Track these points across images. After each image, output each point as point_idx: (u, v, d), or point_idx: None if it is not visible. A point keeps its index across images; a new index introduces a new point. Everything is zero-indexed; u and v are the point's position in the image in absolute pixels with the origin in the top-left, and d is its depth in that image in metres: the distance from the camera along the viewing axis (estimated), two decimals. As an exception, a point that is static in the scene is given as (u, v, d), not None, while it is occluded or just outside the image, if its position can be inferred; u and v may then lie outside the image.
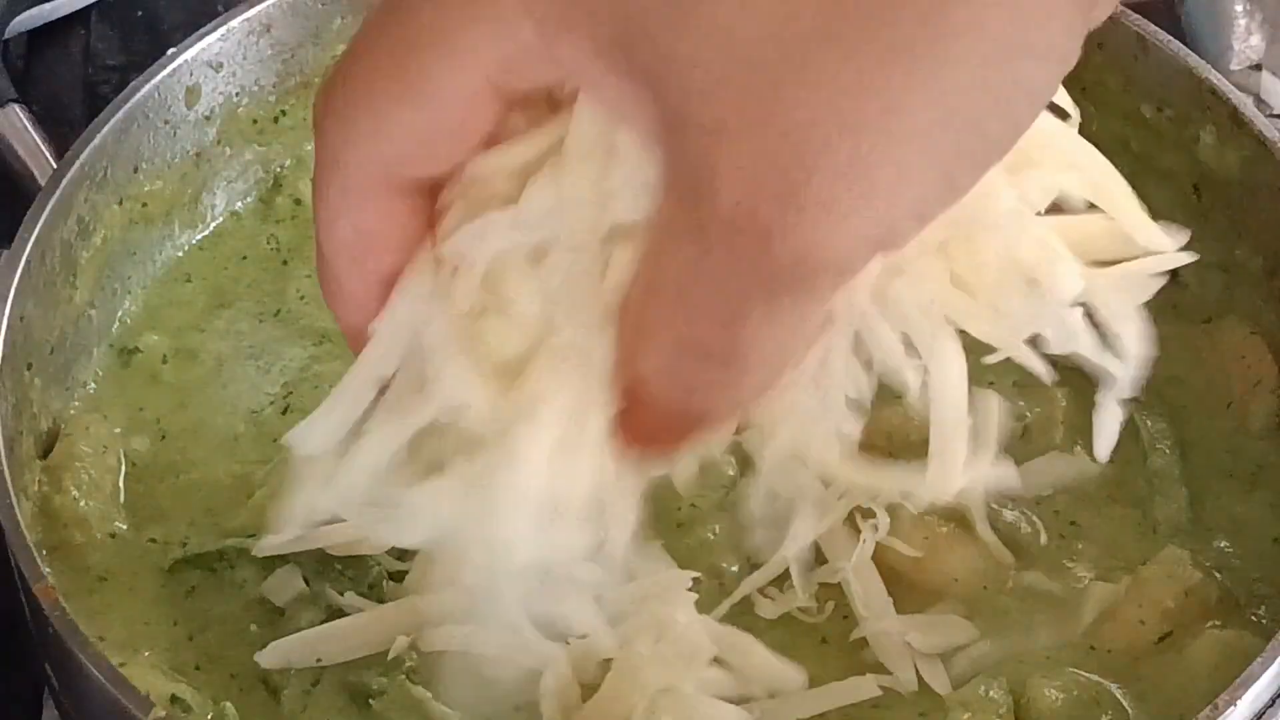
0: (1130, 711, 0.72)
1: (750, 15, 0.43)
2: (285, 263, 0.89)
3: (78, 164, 0.82)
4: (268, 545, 0.74)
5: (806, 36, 0.43)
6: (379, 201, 0.50)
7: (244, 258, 0.89)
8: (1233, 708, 0.66)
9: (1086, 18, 0.45)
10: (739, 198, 0.44)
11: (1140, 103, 0.86)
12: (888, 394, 0.80)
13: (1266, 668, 0.67)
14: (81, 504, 0.78)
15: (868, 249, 0.46)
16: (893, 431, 0.78)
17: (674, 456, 0.51)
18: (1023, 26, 0.44)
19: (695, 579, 0.72)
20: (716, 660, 0.71)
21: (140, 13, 1.11)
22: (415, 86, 0.47)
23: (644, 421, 0.50)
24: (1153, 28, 0.85)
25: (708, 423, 0.50)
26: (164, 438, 0.82)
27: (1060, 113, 0.55)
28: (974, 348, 0.81)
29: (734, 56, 0.43)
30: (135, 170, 0.86)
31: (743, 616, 0.75)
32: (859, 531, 0.74)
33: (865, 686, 0.72)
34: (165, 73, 0.86)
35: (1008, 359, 0.79)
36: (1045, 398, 0.80)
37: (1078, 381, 0.81)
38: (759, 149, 0.44)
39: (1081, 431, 0.80)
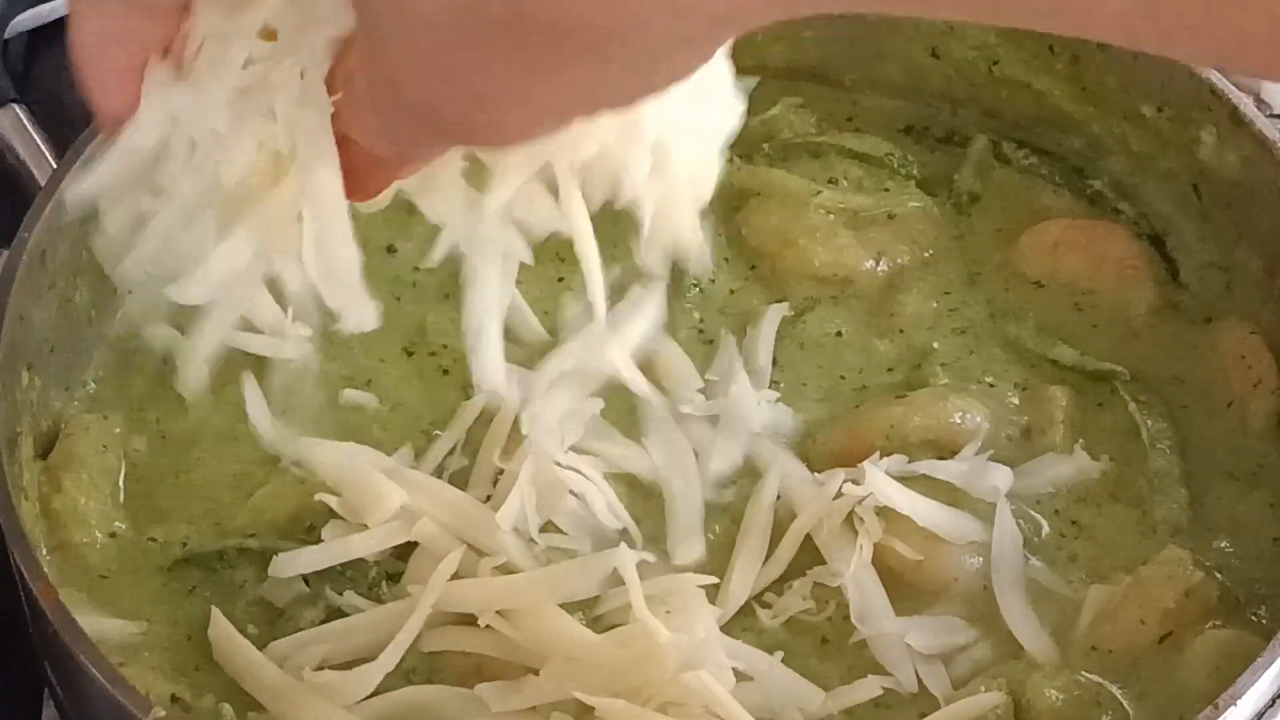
0: (1130, 711, 0.72)
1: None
2: (285, 262, 0.88)
3: (78, 164, 0.82)
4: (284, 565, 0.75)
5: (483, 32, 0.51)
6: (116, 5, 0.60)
7: (244, 257, 0.89)
8: (1233, 707, 0.66)
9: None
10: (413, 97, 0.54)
11: (1140, 103, 0.86)
12: (886, 392, 0.81)
13: (1266, 668, 0.67)
14: (81, 504, 0.78)
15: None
16: (893, 425, 0.78)
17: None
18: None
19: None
20: (736, 672, 0.71)
21: (140, 13, 1.11)
22: None
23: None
24: (1153, 28, 0.85)
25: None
26: (164, 438, 0.82)
27: None
28: (974, 348, 0.82)
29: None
30: (135, 170, 0.86)
31: (743, 617, 0.75)
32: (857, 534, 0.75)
33: (868, 688, 0.72)
34: (165, 73, 0.86)
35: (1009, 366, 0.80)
36: (1045, 397, 0.80)
37: (1078, 381, 0.82)
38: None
39: (1082, 431, 0.80)
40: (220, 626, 0.73)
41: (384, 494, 0.75)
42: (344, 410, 0.82)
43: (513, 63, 0.51)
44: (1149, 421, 0.80)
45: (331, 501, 0.75)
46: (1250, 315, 0.84)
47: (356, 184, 0.61)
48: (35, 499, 0.78)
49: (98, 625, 0.73)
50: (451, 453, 0.79)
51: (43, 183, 0.83)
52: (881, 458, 0.77)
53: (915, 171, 0.89)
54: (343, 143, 0.59)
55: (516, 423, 0.78)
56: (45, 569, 0.72)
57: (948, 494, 0.76)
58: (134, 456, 0.80)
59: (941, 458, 0.78)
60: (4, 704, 0.86)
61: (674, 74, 0.53)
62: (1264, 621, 0.74)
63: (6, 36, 1.04)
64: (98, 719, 0.71)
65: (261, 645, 0.73)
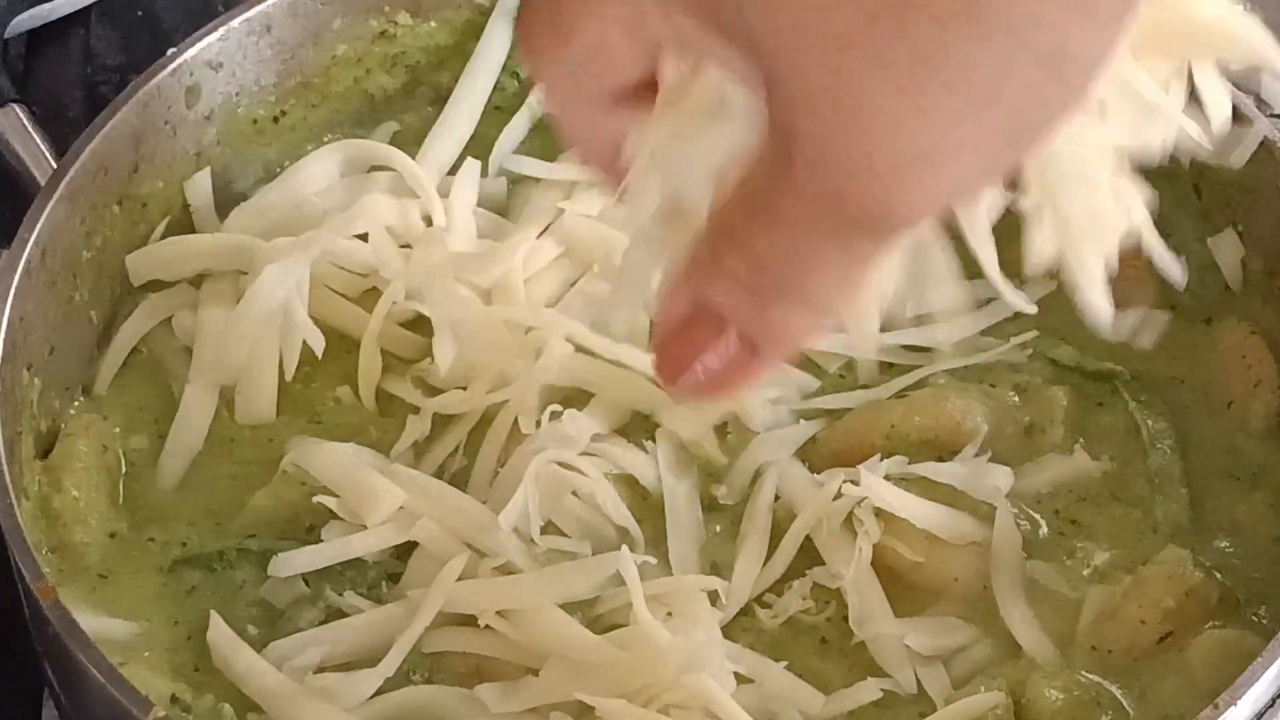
0: (1130, 711, 0.72)
1: (830, 11, 0.48)
2: (285, 262, 0.88)
3: (78, 164, 0.82)
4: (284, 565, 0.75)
5: (880, 30, 0.47)
6: (579, 100, 0.59)
7: (244, 257, 0.89)
8: (1233, 707, 0.66)
9: None
10: (816, 163, 0.50)
11: (1140, 103, 0.86)
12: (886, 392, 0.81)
13: (1266, 668, 0.67)
14: (81, 504, 0.78)
15: (933, 208, 0.52)
16: (894, 425, 0.78)
17: (726, 387, 0.57)
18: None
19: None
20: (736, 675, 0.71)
21: (140, 13, 1.11)
22: (565, 30, 0.57)
23: (697, 343, 0.56)
24: (1153, 28, 0.85)
25: (761, 351, 0.55)
26: (162, 437, 0.82)
27: None
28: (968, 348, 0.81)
29: (816, 40, 0.48)
30: (135, 170, 0.86)
31: (742, 617, 0.75)
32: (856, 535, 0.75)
33: (867, 691, 0.72)
34: (165, 73, 0.86)
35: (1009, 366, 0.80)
36: (1045, 397, 0.80)
37: (1078, 381, 0.82)
38: (834, 125, 0.49)
39: (1082, 431, 0.80)
40: (219, 631, 0.73)
41: (383, 494, 0.75)
42: (343, 409, 0.82)
43: (910, 72, 0.47)
44: (1149, 421, 0.80)
45: (330, 503, 0.75)
46: (1250, 315, 0.84)
47: (717, 382, 0.56)
48: (35, 499, 0.78)
49: (98, 625, 0.73)
50: (453, 453, 0.79)
51: (43, 183, 0.83)
52: (882, 459, 0.77)
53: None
54: (692, 327, 0.56)
55: (516, 423, 0.78)
56: (45, 569, 0.71)
57: (947, 494, 0.76)
58: (133, 456, 0.81)
59: (941, 458, 0.77)
60: (4, 704, 0.86)
61: (1090, 78, 0.48)
62: (1264, 621, 0.74)
63: (6, 36, 1.04)
64: (98, 719, 0.71)
65: (261, 646, 0.73)
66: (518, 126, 0.91)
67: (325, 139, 0.92)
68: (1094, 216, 0.58)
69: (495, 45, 0.92)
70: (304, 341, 0.80)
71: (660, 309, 0.57)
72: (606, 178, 0.62)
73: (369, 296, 0.83)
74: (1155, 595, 0.74)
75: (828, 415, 0.81)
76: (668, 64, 0.57)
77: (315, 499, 0.76)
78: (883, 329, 0.58)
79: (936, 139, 0.48)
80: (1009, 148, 0.50)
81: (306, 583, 0.75)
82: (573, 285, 0.84)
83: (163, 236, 0.87)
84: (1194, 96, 0.58)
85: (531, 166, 0.89)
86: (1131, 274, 0.84)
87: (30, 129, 0.91)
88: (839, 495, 0.75)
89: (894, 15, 0.47)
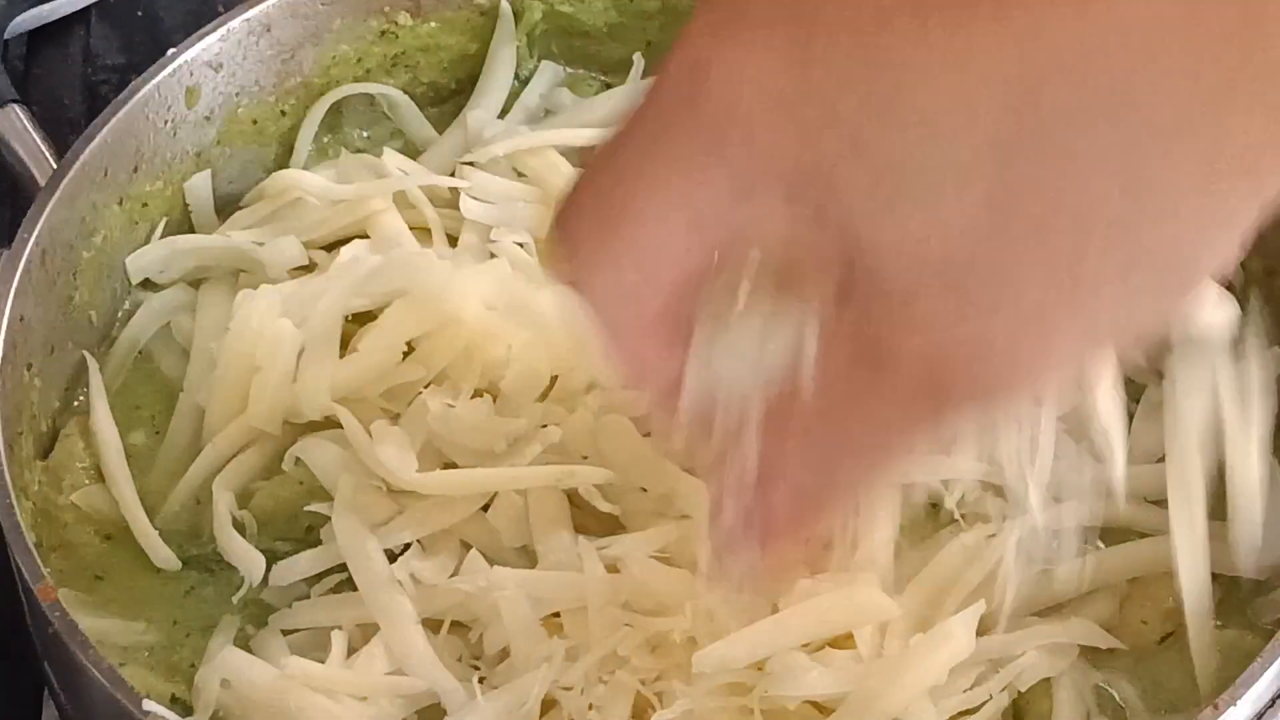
0: (1130, 711, 0.71)
1: (945, 232, 0.45)
2: (284, 262, 0.88)
3: (78, 164, 0.82)
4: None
5: (998, 255, 0.46)
6: (630, 310, 0.52)
7: (244, 257, 0.89)
8: (1233, 707, 0.66)
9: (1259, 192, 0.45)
10: (920, 367, 0.48)
11: (1140, 103, 0.86)
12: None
13: (1266, 668, 0.67)
14: (81, 504, 0.78)
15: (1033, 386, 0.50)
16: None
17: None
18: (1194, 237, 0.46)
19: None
20: None
21: (140, 13, 1.11)
22: (622, 228, 0.50)
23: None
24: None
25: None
26: (160, 434, 0.81)
27: None
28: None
29: (929, 254, 0.46)
30: (135, 170, 0.86)
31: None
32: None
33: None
34: (165, 73, 0.86)
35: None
36: (1045, 398, 0.80)
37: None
38: (943, 338, 0.47)
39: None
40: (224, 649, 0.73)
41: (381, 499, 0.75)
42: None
43: (1036, 277, 0.46)
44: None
45: (322, 508, 0.75)
46: (1250, 315, 0.83)
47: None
48: (35, 499, 0.78)
49: (97, 625, 0.73)
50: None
51: (43, 183, 0.83)
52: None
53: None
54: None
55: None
56: (45, 569, 0.71)
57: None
58: (132, 454, 0.80)
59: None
60: (4, 704, 0.86)
61: (1205, 270, 0.47)
62: (1264, 621, 0.74)
63: (6, 37, 1.04)
64: (98, 719, 0.71)
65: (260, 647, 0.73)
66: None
67: (325, 139, 0.92)
68: None
69: (502, 62, 0.93)
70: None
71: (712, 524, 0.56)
72: (665, 407, 0.55)
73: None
74: (1156, 595, 0.73)
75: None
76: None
77: (308, 508, 0.75)
78: None
79: (1056, 345, 0.47)
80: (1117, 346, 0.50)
81: (306, 584, 0.75)
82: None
83: (162, 236, 0.87)
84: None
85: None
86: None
87: (30, 129, 0.91)
88: None
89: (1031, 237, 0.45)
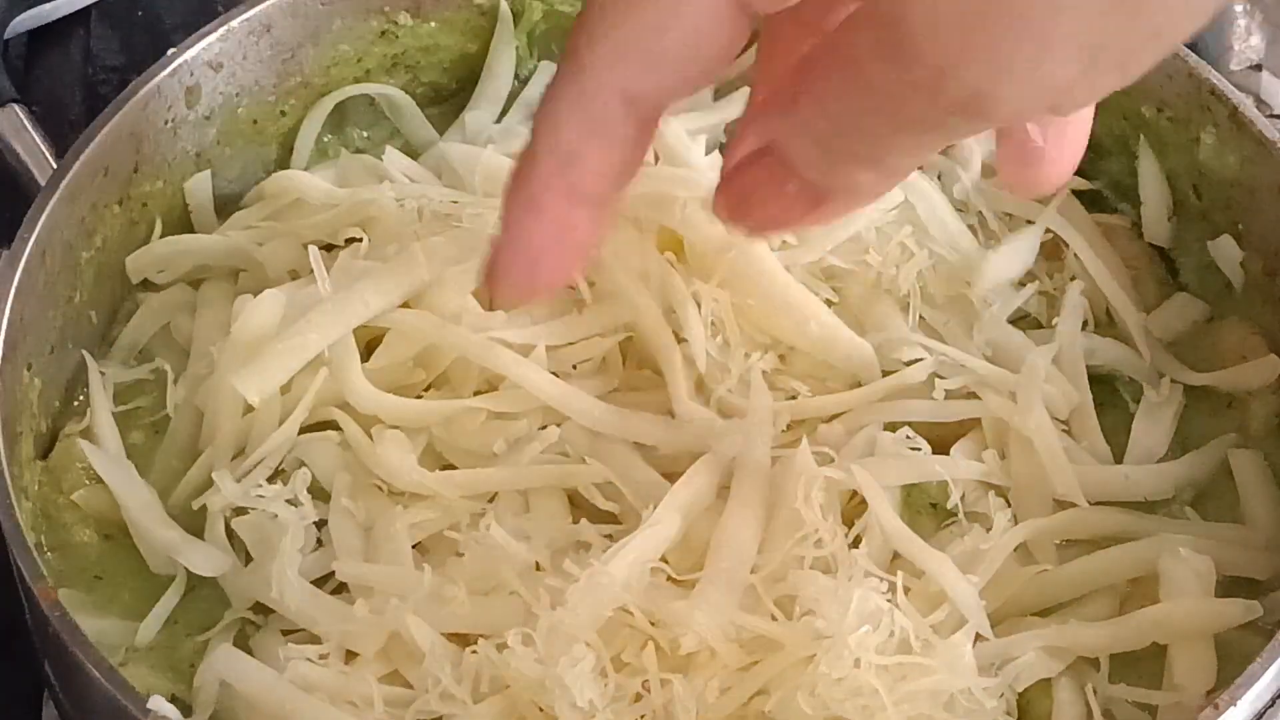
0: (1130, 711, 0.71)
1: None
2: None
3: (78, 164, 0.82)
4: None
5: None
6: (603, 115, 0.55)
7: (244, 257, 0.89)
8: (1233, 708, 0.66)
9: None
10: (925, 36, 0.49)
11: (1140, 103, 0.86)
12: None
13: (1266, 668, 0.67)
14: (81, 504, 0.78)
15: (1031, 108, 0.51)
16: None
17: (782, 227, 0.58)
18: None
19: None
20: None
21: (140, 13, 1.11)
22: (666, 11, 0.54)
23: (757, 186, 0.56)
24: (1153, 28, 0.85)
25: (823, 201, 0.55)
26: (160, 434, 0.81)
27: None
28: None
29: None
30: (135, 170, 0.86)
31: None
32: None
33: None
34: (165, 73, 0.86)
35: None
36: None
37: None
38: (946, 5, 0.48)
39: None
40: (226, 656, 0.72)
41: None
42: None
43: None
44: (1149, 422, 0.80)
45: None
46: (1250, 315, 0.84)
47: (749, 218, 0.57)
48: (35, 499, 0.78)
49: (97, 625, 0.73)
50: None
51: (43, 183, 0.83)
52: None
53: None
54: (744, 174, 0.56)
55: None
56: (45, 569, 0.71)
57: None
58: (131, 453, 0.80)
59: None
60: (4, 704, 0.86)
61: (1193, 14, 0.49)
62: (1264, 622, 0.73)
63: (6, 37, 1.04)
64: (98, 719, 0.71)
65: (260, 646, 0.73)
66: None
67: (326, 139, 0.92)
68: None
69: (502, 62, 0.93)
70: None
71: (731, 142, 0.57)
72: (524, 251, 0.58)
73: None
74: (1156, 595, 0.73)
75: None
76: None
77: (305, 522, 0.74)
78: None
79: (1053, 27, 0.48)
80: (1114, 64, 0.51)
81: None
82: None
83: (162, 236, 0.87)
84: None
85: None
86: (1131, 274, 0.85)
87: (30, 129, 0.91)
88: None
89: None
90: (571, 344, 0.77)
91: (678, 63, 0.55)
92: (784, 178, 0.55)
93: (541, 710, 0.68)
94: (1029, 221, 0.84)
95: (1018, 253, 0.82)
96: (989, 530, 0.73)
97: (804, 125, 0.53)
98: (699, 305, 0.76)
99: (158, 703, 0.67)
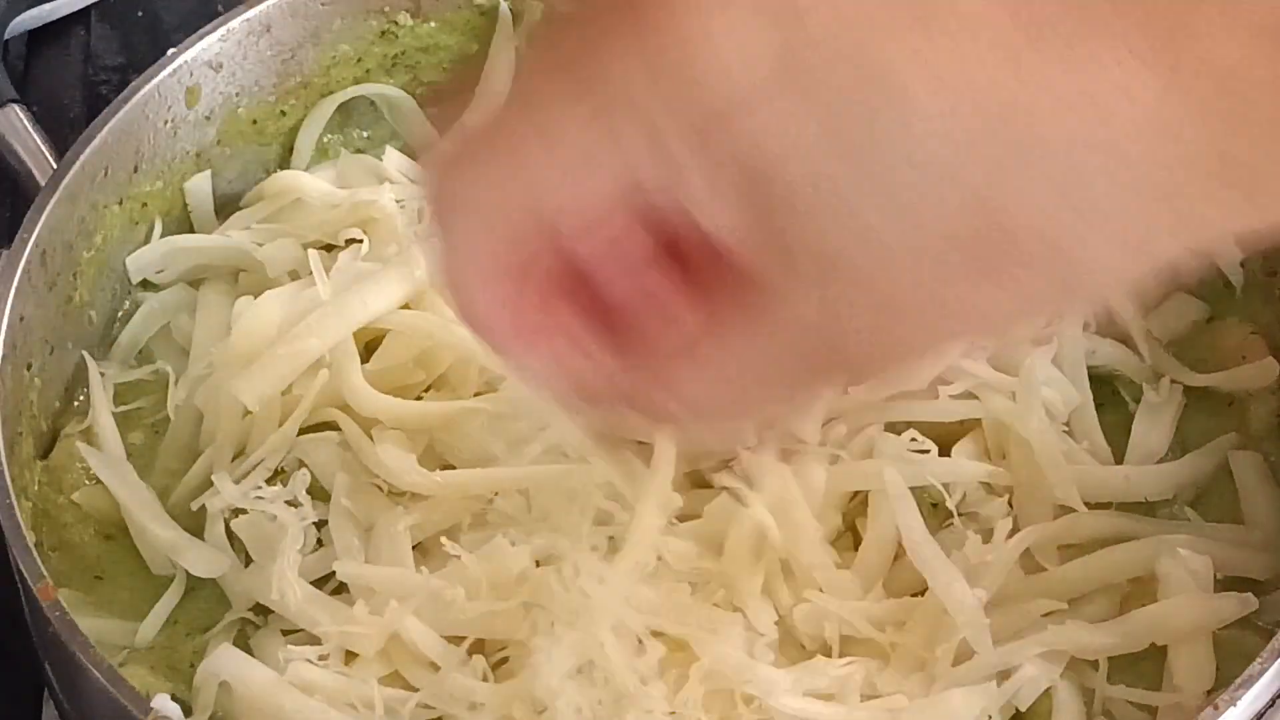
0: (1129, 712, 0.71)
1: (887, 267, 0.47)
2: (285, 263, 0.88)
3: (78, 164, 0.82)
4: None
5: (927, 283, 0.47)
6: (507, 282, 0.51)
7: (244, 257, 0.89)
8: (1233, 708, 0.66)
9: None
10: (811, 336, 0.49)
11: (1140, 103, 0.86)
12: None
13: (1266, 668, 0.67)
14: (81, 504, 0.78)
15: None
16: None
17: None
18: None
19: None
20: None
21: (140, 13, 1.11)
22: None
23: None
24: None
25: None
26: (159, 434, 0.81)
27: None
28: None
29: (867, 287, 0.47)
30: (135, 170, 0.86)
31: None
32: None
33: None
34: (165, 73, 0.86)
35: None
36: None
37: (1078, 381, 0.82)
38: (858, 324, 0.48)
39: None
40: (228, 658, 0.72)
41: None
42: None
43: (956, 277, 0.47)
44: (1149, 422, 0.80)
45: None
46: (1250, 315, 0.84)
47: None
48: (35, 499, 0.78)
49: (97, 625, 0.73)
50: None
51: (43, 183, 0.83)
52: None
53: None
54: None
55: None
56: (45, 569, 0.71)
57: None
58: (131, 453, 0.80)
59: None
60: (4, 704, 0.86)
61: (1096, 296, 0.54)
62: (1264, 622, 0.73)
63: (6, 37, 1.04)
64: (98, 719, 0.71)
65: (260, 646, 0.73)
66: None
67: (326, 139, 0.92)
68: None
69: (502, 63, 0.92)
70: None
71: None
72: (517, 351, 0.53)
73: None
74: (1156, 595, 0.73)
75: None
76: None
77: (305, 523, 0.74)
78: None
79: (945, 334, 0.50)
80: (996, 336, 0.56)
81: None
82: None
83: (162, 236, 0.87)
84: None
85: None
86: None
87: (30, 129, 0.91)
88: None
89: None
90: None
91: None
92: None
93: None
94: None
95: None
96: (990, 533, 0.73)
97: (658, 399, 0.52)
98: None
99: (162, 702, 0.67)
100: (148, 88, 0.85)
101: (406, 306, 0.79)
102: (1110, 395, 0.82)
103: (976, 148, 0.45)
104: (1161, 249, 0.48)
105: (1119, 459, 0.79)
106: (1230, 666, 0.69)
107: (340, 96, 0.91)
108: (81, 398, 0.83)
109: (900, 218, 0.46)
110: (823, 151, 0.45)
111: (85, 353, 0.83)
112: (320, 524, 0.75)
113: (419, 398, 0.78)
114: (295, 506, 0.74)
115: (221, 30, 0.88)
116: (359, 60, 0.92)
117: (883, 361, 0.51)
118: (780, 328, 0.49)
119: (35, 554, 0.71)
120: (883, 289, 0.47)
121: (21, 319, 0.78)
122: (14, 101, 0.91)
